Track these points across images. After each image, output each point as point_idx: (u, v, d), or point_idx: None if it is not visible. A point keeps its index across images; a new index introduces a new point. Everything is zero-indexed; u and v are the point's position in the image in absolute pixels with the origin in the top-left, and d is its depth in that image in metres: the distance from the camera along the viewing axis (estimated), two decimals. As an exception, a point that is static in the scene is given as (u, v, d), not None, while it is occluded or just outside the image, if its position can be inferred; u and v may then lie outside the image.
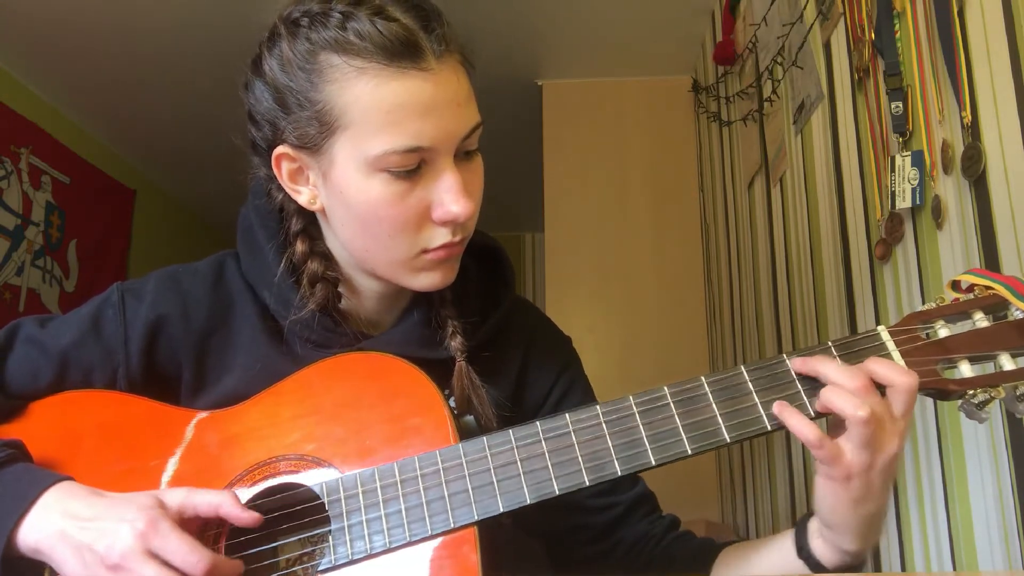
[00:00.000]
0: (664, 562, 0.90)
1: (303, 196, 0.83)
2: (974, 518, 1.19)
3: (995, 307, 0.74)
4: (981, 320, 0.74)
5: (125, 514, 0.69)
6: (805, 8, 1.88)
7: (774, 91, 2.13)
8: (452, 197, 0.77)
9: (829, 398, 0.70)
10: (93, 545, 0.68)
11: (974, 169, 1.17)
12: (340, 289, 0.87)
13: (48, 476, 0.74)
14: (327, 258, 0.87)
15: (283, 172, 0.82)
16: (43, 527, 0.70)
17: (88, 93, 3.22)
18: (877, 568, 1.50)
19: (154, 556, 0.67)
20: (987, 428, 1.16)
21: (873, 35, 1.47)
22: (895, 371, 0.70)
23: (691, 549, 0.90)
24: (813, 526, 0.77)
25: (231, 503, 0.72)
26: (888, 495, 0.74)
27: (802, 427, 0.70)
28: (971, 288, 0.76)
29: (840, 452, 0.70)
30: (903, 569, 1.41)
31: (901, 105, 1.37)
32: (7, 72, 3.03)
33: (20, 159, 3.10)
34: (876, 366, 0.71)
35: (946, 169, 1.26)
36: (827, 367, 0.71)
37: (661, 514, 0.95)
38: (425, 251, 0.80)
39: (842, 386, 0.70)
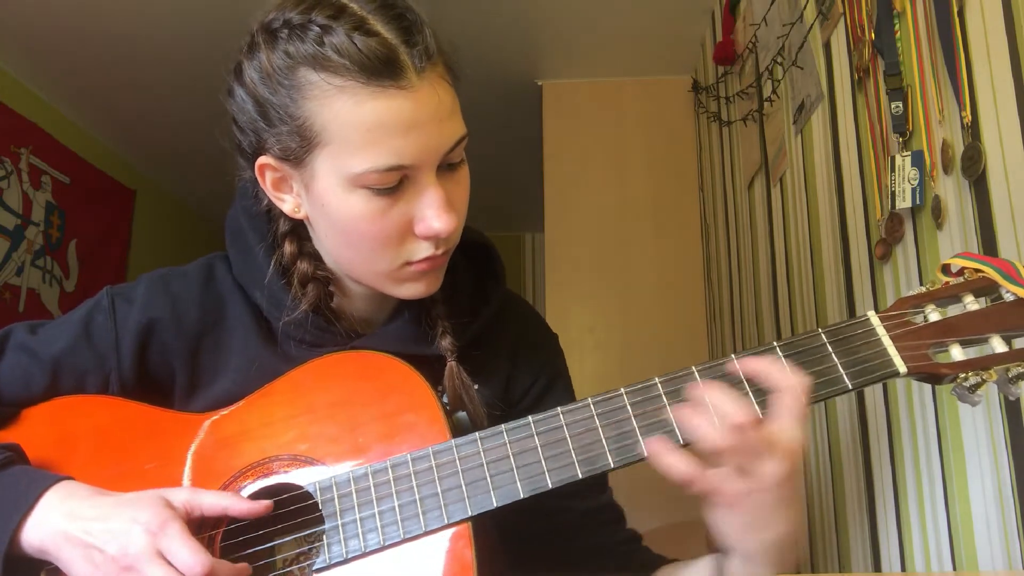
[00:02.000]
0: (620, 566, 0.91)
1: (287, 204, 0.82)
2: (974, 518, 1.19)
3: (985, 290, 0.74)
4: (972, 303, 0.74)
5: (137, 515, 0.68)
6: (805, 8, 1.88)
7: (774, 91, 2.12)
8: (434, 213, 0.77)
9: (695, 428, 0.69)
10: (104, 547, 0.68)
11: (974, 169, 1.17)
12: (331, 288, 0.87)
13: (48, 476, 0.74)
14: (316, 258, 0.87)
15: (267, 181, 0.82)
16: (47, 527, 0.70)
17: (88, 93, 3.22)
18: (877, 568, 1.49)
19: (161, 556, 0.67)
20: (987, 427, 1.15)
21: (873, 35, 1.47)
22: (782, 374, 0.69)
23: (641, 559, 0.91)
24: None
25: (238, 505, 0.72)
26: (788, 521, 0.71)
27: (675, 464, 0.69)
28: (961, 272, 0.75)
29: (714, 485, 0.69)
30: (903, 569, 1.40)
31: (901, 105, 1.37)
32: (7, 72, 3.02)
33: (20, 159, 3.09)
34: (764, 366, 0.70)
35: (946, 169, 1.26)
36: (715, 395, 0.70)
37: (623, 527, 0.95)
38: (408, 263, 0.80)
39: (723, 416, 0.68)
